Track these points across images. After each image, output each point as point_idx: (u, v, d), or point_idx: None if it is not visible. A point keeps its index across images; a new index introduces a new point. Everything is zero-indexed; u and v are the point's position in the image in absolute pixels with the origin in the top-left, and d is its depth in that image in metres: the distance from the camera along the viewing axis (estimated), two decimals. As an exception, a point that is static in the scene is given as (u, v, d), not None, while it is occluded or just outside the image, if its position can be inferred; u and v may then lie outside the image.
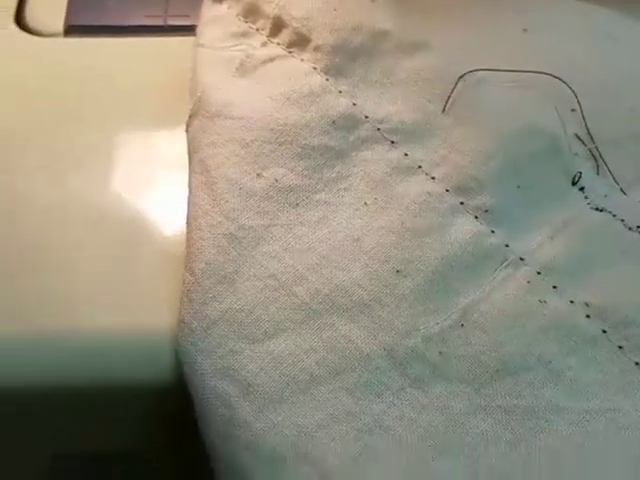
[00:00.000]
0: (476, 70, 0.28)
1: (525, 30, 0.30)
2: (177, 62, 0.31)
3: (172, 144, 0.29)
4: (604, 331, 0.24)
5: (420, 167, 0.27)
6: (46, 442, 0.26)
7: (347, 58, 0.29)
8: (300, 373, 0.24)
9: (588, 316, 0.24)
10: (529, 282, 0.25)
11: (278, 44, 0.30)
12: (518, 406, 0.23)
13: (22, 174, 0.28)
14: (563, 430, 0.23)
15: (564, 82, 0.28)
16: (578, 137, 0.28)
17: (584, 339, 0.24)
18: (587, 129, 0.27)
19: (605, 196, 0.27)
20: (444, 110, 0.27)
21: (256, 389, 0.23)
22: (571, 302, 0.24)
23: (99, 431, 0.26)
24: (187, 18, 0.34)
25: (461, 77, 0.27)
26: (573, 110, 0.28)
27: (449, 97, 0.28)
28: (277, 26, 0.30)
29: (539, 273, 0.25)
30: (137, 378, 0.24)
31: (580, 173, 0.27)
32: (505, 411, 0.23)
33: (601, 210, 0.26)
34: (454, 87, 0.28)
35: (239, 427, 0.23)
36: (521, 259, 0.25)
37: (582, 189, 0.27)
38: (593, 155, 0.27)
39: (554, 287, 0.25)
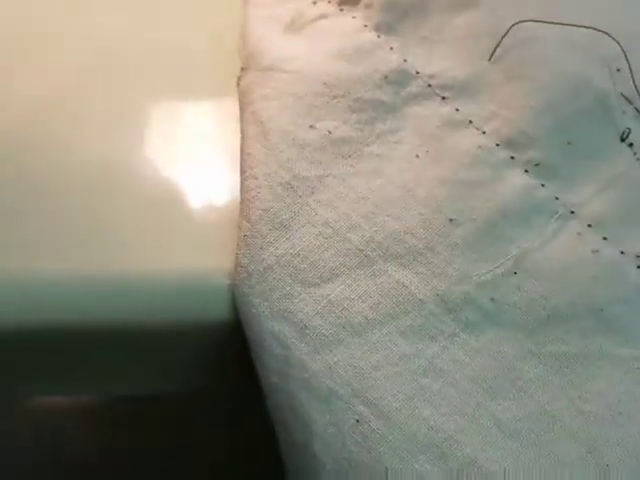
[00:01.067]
0: (524, 21, 0.28)
1: None
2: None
3: (222, 99, 0.30)
4: None
5: (471, 122, 0.27)
6: (105, 383, 0.27)
7: (398, 15, 0.29)
8: (355, 316, 0.24)
9: (639, 267, 0.25)
10: (579, 234, 0.25)
11: (329, 2, 0.30)
12: (569, 352, 0.24)
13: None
14: (614, 376, 0.23)
15: (613, 38, 0.28)
16: (624, 96, 0.28)
17: (635, 289, 0.24)
18: (635, 87, 0.28)
19: (653, 152, 0.27)
20: (490, 58, 0.28)
21: (312, 331, 0.24)
22: (622, 253, 0.25)
23: (157, 374, 0.27)
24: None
25: (511, 27, 0.28)
26: (619, 70, 0.28)
27: (496, 47, 0.28)
28: (328, -16, 0.30)
29: (589, 225, 0.25)
30: (194, 320, 0.25)
31: (629, 129, 0.27)
32: (556, 357, 0.24)
33: (649, 165, 0.27)
34: (502, 37, 0.28)
35: (295, 367, 0.23)
36: (571, 212, 0.26)
37: (631, 145, 0.27)
38: (640, 113, 0.28)
39: (604, 238, 0.25)
